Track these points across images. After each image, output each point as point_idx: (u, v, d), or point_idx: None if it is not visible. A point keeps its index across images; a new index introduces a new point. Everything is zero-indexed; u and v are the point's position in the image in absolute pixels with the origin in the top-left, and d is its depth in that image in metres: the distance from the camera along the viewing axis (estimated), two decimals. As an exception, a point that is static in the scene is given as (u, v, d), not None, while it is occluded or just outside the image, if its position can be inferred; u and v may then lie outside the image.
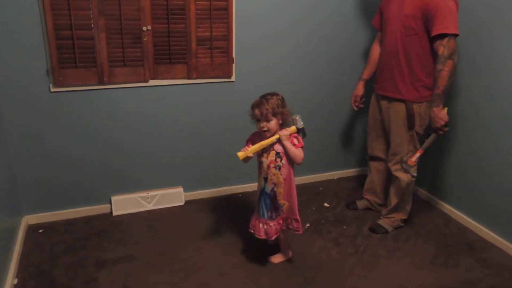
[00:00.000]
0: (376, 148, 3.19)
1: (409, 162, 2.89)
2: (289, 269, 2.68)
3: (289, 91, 3.41)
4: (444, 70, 2.56)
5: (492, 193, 2.97)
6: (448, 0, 2.56)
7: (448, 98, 3.20)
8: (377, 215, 3.25)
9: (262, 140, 2.41)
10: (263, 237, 2.57)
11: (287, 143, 2.39)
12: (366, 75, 3.15)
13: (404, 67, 2.77)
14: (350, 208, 3.39)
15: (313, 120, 3.60)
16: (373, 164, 3.26)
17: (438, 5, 2.54)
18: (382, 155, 3.17)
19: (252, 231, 2.62)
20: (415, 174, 2.94)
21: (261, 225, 2.56)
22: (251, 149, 2.38)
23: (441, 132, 2.69)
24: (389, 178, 3.16)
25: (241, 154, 2.37)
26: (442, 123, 2.65)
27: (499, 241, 2.95)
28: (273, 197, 2.50)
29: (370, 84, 3.14)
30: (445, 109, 2.67)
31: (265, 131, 2.38)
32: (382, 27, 2.95)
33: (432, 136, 2.75)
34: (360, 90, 3.17)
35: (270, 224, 2.54)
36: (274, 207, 2.52)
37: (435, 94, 2.62)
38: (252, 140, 2.48)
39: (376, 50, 3.07)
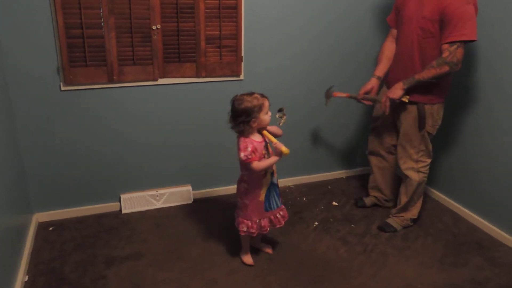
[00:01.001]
0: (377, 144, 3.20)
1: (334, 94, 3.10)
2: (297, 267, 2.68)
3: (298, 89, 3.44)
4: (435, 69, 2.56)
5: (502, 191, 2.95)
6: (467, 4, 2.47)
7: (457, 96, 3.19)
8: (386, 213, 3.25)
9: (259, 143, 2.45)
10: (283, 223, 2.66)
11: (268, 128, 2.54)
12: (381, 72, 2.99)
13: (418, 69, 2.70)
14: (359, 205, 3.39)
15: (321, 118, 3.61)
16: (373, 162, 3.28)
17: (456, 10, 2.46)
18: (382, 152, 3.19)
19: (257, 231, 2.60)
20: (326, 105, 3.16)
21: (278, 215, 2.63)
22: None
23: (382, 101, 2.78)
24: (391, 174, 3.22)
25: (286, 149, 2.37)
26: (394, 97, 2.69)
27: (509, 240, 2.94)
28: (277, 183, 2.63)
29: (360, 81, 3.12)
30: (405, 96, 2.72)
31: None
32: (397, 25, 2.89)
33: (377, 99, 2.88)
34: (375, 87, 3.00)
35: (283, 206, 2.68)
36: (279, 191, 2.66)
37: (412, 77, 2.65)
38: (255, 147, 2.43)
39: (391, 47, 2.97)
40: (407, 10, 2.76)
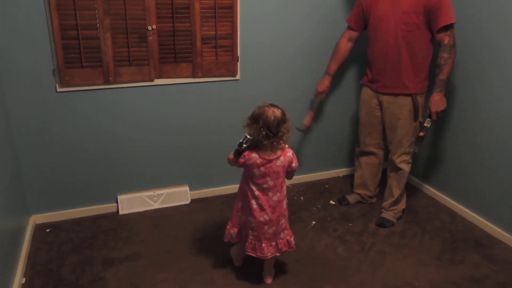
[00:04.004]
0: (369, 143, 3.24)
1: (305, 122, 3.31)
2: (296, 266, 2.68)
3: (294, 89, 3.44)
4: (451, 58, 2.69)
5: (498, 189, 2.96)
6: None
7: (453, 94, 3.20)
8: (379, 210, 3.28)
9: None
10: None
11: None
12: (333, 70, 3.21)
13: (408, 62, 2.81)
14: (343, 204, 3.42)
15: (318, 118, 3.61)
16: (364, 159, 3.32)
17: None
18: (374, 150, 3.24)
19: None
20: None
21: None
22: None
23: (434, 118, 2.81)
24: (380, 169, 3.31)
25: None
26: (443, 107, 2.77)
27: (506, 237, 2.94)
28: None
29: (355, 80, 3.13)
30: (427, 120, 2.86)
31: None
32: (371, 27, 2.94)
33: (428, 121, 2.83)
34: (328, 86, 3.24)
35: None
36: None
37: (441, 80, 2.73)
38: None
39: (345, 46, 3.15)
40: (380, 10, 2.84)
